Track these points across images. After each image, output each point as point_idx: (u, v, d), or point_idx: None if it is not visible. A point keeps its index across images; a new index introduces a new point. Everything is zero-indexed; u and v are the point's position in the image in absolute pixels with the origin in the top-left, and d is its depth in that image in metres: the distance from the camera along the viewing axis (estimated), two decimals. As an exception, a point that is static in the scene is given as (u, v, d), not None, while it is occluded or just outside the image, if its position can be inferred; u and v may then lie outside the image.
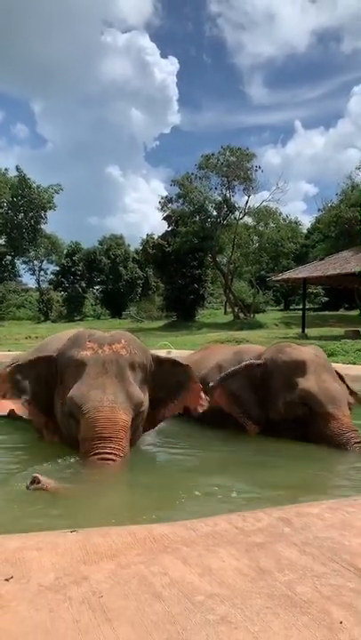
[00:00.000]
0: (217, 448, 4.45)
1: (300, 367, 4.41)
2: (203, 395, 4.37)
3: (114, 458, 3.42)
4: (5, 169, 38.86)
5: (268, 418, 4.51)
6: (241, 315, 33.48)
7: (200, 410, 4.35)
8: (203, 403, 4.34)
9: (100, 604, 1.39)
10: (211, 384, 4.59)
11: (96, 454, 3.43)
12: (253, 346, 5.77)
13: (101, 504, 3.06)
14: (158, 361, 4.22)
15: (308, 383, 4.32)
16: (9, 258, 41.37)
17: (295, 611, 1.40)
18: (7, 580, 1.48)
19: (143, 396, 3.83)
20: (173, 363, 4.36)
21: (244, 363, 4.66)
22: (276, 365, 4.52)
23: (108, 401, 3.55)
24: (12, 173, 39.03)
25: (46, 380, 3.99)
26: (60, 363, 3.93)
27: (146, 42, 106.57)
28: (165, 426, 4.67)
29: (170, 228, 35.45)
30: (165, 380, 4.21)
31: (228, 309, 37.96)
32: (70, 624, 1.29)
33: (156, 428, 4.42)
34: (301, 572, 1.62)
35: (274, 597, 1.46)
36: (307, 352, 4.58)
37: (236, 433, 4.58)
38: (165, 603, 1.41)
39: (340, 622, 1.34)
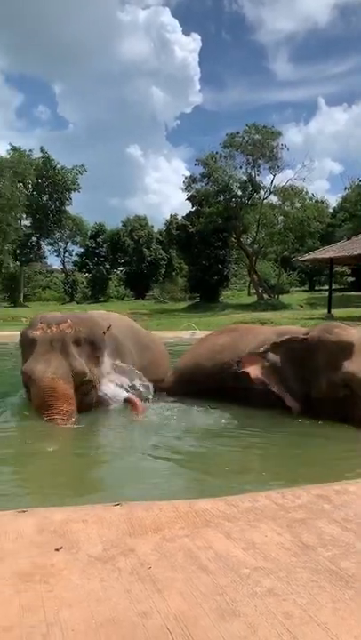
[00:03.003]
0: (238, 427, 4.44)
1: (346, 349, 4.35)
2: None
3: (57, 421, 3.98)
4: (30, 150, 38.95)
5: (308, 396, 4.47)
6: (265, 295, 33.24)
7: None
8: None
9: (149, 575, 1.42)
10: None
11: (42, 414, 4.04)
12: (296, 327, 5.68)
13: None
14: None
15: (352, 366, 4.27)
16: (34, 239, 41.68)
17: (341, 585, 1.41)
18: (57, 550, 1.52)
19: (86, 368, 4.32)
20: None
21: (286, 336, 4.64)
22: (322, 344, 4.45)
23: (50, 373, 4.12)
24: (37, 155, 39.11)
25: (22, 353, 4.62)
26: (22, 341, 4.56)
27: (167, 18, 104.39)
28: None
29: (194, 209, 35.19)
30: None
31: (252, 290, 37.72)
32: (122, 593, 1.32)
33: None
34: (344, 547, 1.63)
35: (319, 572, 1.48)
36: (354, 334, 4.52)
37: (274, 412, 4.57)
38: (212, 575, 1.44)
39: (388, 597, 1.35)
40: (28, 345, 4.41)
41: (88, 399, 4.42)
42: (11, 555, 1.47)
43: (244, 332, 5.54)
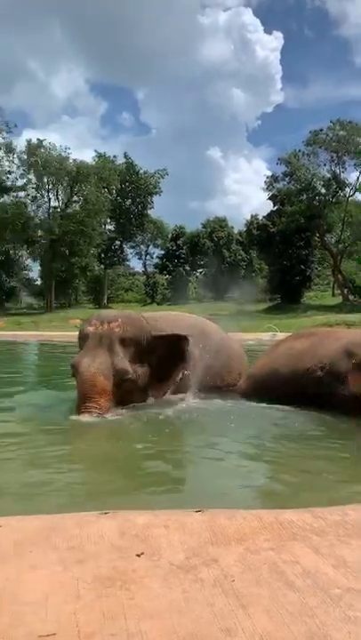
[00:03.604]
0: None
1: None
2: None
3: (91, 414, 4.21)
4: (114, 156, 40.15)
5: None
6: (351, 297, 32.04)
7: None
8: None
9: (233, 588, 1.35)
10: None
11: (79, 409, 4.29)
12: None
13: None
14: (159, 337, 4.78)
15: None
16: (118, 243, 42.92)
17: None
18: (138, 555, 1.49)
19: (128, 367, 4.50)
20: (176, 336, 4.83)
21: None
22: None
23: (93, 367, 4.35)
24: (120, 161, 40.24)
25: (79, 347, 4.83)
26: (79, 336, 4.82)
27: (248, 18, 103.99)
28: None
29: (275, 208, 34.71)
30: (167, 353, 4.75)
31: (337, 291, 36.52)
32: (205, 607, 1.26)
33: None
34: None
35: None
36: None
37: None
38: (300, 593, 1.34)
39: None
40: (82, 339, 4.69)
41: (130, 397, 4.59)
42: (92, 558, 1.46)
43: (323, 335, 5.23)
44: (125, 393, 4.51)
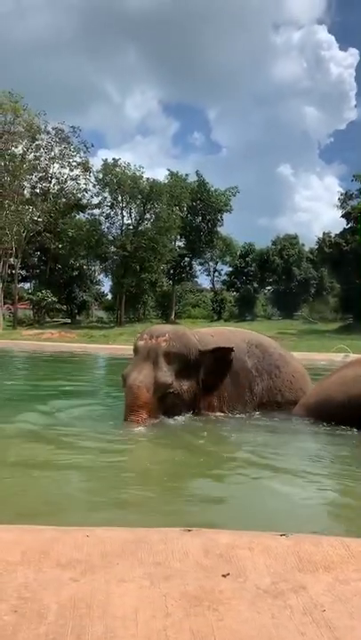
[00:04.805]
0: None
1: None
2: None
3: (132, 425, 4.36)
4: (186, 175, 40.78)
5: None
6: None
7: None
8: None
9: (324, 618, 1.30)
10: None
11: (125, 418, 4.49)
12: None
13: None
14: (205, 352, 4.84)
15: None
16: (187, 260, 43.35)
17: None
18: (224, 576, 1.47)
19: (170, 380, 4.60)
20: (221, 349, 4.85)
21: None
22: None
23: (138, 380, 4.51)
24: (192, 179, 40.83)
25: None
26: (133, 348, 5.00)
27: (323, 35, 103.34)
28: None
29: (348, 226, 33.87)
30: (212, 367, 4.83)
31: None
32: (296, 635, 1.23)
33: None
34: None
35: None
36: None
37: None
38: None
39: None
40: (134, 351, 4.89)
41: (175, 410, 4.69)
42: (178, 575, 1.45)
43: None
44: (170, 406, 4.63)
